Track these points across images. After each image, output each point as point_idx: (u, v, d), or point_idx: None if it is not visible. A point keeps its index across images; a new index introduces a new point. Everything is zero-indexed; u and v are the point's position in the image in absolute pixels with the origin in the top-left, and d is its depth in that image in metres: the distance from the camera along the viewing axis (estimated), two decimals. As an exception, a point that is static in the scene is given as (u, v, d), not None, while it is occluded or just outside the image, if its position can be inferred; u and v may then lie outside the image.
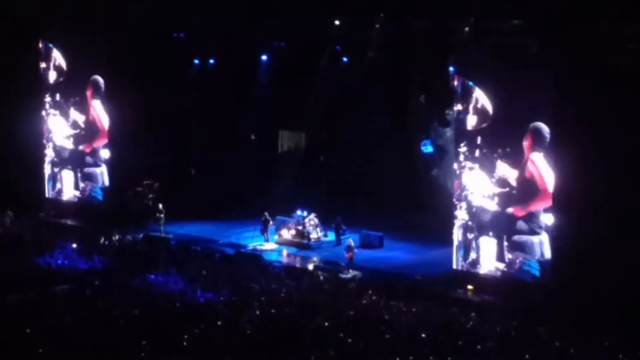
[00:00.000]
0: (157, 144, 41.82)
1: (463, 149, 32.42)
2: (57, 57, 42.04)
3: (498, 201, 31.63)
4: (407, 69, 38.52)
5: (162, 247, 36.50)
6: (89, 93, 41.12)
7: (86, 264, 33.77)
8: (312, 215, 38.60)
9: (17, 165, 42.32)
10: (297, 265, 35.49)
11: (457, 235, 32.77)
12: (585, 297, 28.38)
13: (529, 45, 32.13)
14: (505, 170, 31.29)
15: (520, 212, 31.07)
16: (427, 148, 38.73)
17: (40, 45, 42.43)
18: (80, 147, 41.88)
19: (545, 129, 30.24)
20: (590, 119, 29.89)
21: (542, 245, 30.69)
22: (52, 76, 42.37)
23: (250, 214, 39.30)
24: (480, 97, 31.74)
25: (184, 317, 27.56)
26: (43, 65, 42.45)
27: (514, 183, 31.19)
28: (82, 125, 41.66)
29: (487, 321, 27.73)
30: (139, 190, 41.57)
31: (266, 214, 38.10)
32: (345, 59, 40.68)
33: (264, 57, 42.40)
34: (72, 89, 41.74)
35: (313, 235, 38.25)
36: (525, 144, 30.65)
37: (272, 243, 38.03)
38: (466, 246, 32.53)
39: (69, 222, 41.28)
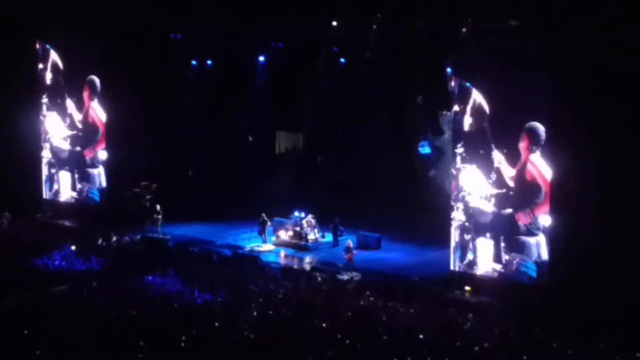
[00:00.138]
0: (154, 145, 41.84)
1: (460, 150, 32.44)
2: (55, 58, 42.04)
3: (495, 202, 31.63)
4: (405, 70, 38.51)
5: (159, 248, 36.51)
6: (85, 94, 41.16)
7: (84, 265, 33.78)
8: (310, 217, 38.60)
9: (15, 166, 42.34)
10: (295, 266, 35.49)
11: (454, 236, 32.79)
12: (582, 298, 28.43)
13: (527, 47, 32.11)
14: (502, 165, 31.20)
15: (525, 219, 30.88)
16: (425, 149, 38.75)
17: (38, 46, 42.43)
18: (78, 148, 41.85)
19: (540, 127, 30.23)
20: (588, 120, 29.92)
21: (539, 246, 30.70)
22: (50, 77, 42.39)
23: (247, 215, 39.28)
24: (478, 98, 31.76)
25: (181, 318, 27.56)
26: (40, 66, 42.46)
27: (510, 182, 31.15)
28: (80, 126, 41.65)
29: (484, 322, 27.74)
30: (136, 191, 41.55)
31: (264, 215, 38.09)
32: (342, 60, 40.68)
33: (261, 58, 42.40)
34: (69, 90, 41.75)
35: (311, 237, 38.24)
36: (522, 145, 30.64)
37: (270, 244, 38.02)
38: (463, 247, 32.54)
39: (67, 223, 41.26)
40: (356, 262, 34.46)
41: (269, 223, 38.23)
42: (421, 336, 26.27)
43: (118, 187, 41.40)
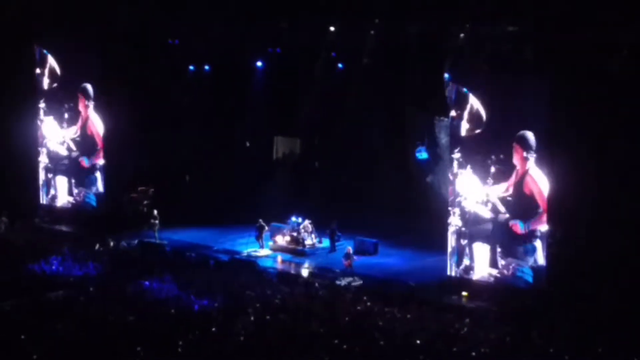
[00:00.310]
0: (151, 150, 41.83)
1: (457, 155, 32.46)
2: (52, 63, 42.02)
3: (492, 207, 31.65)
4: (402, 75, 38.55)
5: (156, 253, 36.49)
6: (81, 104, 41.06)
7: (81, 270, 33.73)
8: (307, 222, 38.57)
9: (12, 171, 42.29)
10: (292, 271, 35.48)
11: (450, 241, 32.80)
12: (578, 303, 28.44)
13: (524, 52, 32.18)
14: (498, 191, 31.33)
15: (521, 231, 30.93)
16: (422, 154, 38.74)
17: (35, 50, 42.41)
18: (75, 153, 41.80)
19: (528, 133, 30.30)
20: (585, 125, 29.97)
21: (536, 251, 30.70)
22: (47, 82, 42.35)
23: (244, 220, 39.29)
24: (475, 104, 31.79)
25: (178, 323, 27.55)
26: (37, 71, 42.43)
27: (505, 194, 31.18)
28: (77, 132, 41.59)
29: (481, 327, 27.74)
30: (133, 196, 41.58)
31: (261, 220, 38.09)
32: (340, 65, 40.71)
33: (259, 63, 42.43)
34: (66, 95, 41.70)
35: (308, 242, 38.19)
36: (517, 156, 30.65)
37: (267, 249, 38.00)
38: (459, 252, 32.55)
39: (64, 228, 41.21)
40: (354, 268, 34.41)
41: (266, 228, 38.22)
42: (418, 341, 26.27)
43: (115, 192, 41.39)
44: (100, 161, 41.01)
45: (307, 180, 43.45)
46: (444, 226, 33.05)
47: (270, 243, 38.38)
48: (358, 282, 33.08)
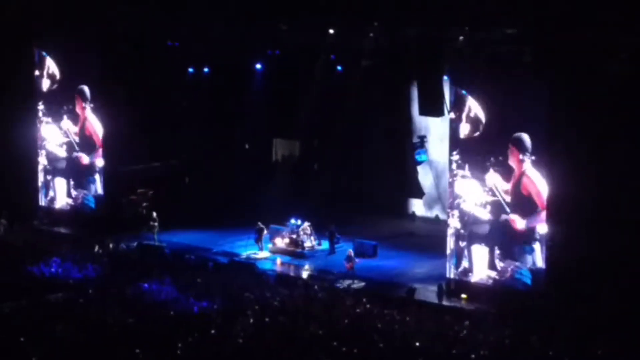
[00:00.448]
0: (151, 152, 41.80)
1: (456, 157, 32.46)
2: (51, 65, 42.00)
3: (490, 209, 31.65)
4: (401, 77, 38.54)
5: (156, 256, 36.47)
6: (79, 106, 41.04)
7: (80, 272, 33.73)
8: (306, 224, 38.53)
9: (11, 172, 42.27)
10: (291, 274, 35.46)
11: (449, 243, 32.79)
12: (577, 305, 28.44)
13: (523, 54, 32.17)
14: (497, 182, 31.30)
15: (519, 227, 31.00)
16: (421, 156, 38.74)
17: (34, 52, 42.41)
18: (74, 155, 41.79)
19: (523, 135, 30.38)
20: (584, 127, 29.97)
21: (534, 253, 30.71)
22: (46, 84, 42.31)
23: (244, 222, 39.26)
24: (474, 106, 31.79)
25: (177, 325, 27.55)
26: (37, 72, 42.41)
27: (505, 196, 31.18)
28: (76, 133, 41.59)
29: (480, 329, 27.74)
30: (132, 198, 41.55)
31: (260, 222, 38.08)
32: (339, 68, 40.70)
33: (258, 66, 42.42)
34: (65, 97, 41.67)
35: (307, 244, 38.14)
36: (513, 159, 30.72)
37: (266, 252, 37.97)
38: (458, 254, 32.54)
39: (62, 230, 41.19)
40: (355, 270, 34.35)
41: (265, 230, 38.19)
42: (417, 344, 26.28)
43: (114, 194, 41.36)
44: (100, 161, 40.99)
45: (306, 182, 43.44)
46: (443, 228, 33.00)
47: (270, 245, 38.35)
48: (360, 285, 33.08)
